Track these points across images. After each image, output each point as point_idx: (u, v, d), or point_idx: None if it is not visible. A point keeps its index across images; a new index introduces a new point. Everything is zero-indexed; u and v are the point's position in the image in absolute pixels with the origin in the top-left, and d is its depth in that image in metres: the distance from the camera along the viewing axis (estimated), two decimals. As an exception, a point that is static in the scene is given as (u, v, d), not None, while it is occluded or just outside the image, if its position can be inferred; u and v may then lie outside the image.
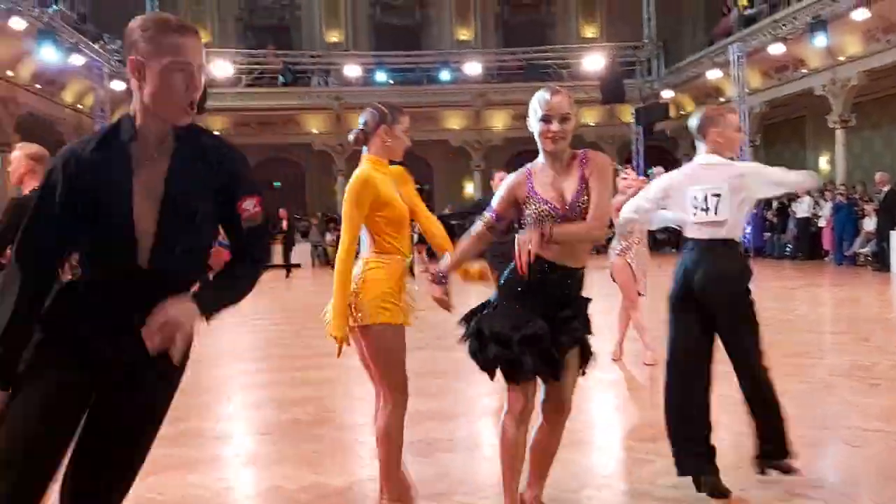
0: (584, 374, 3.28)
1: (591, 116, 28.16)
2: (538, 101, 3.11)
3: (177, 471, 4.25)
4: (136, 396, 2.14)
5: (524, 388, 3.10)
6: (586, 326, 3.22)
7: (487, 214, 3.23)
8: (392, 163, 3.56)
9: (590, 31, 29.44)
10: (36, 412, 2.01)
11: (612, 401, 5.79)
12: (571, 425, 4.94)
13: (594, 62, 25.07)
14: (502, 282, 3.18)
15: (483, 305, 3.23)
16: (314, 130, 27.65)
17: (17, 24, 14.62)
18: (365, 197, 3.31)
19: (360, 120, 3.53)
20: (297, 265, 21.23)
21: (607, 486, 3.85)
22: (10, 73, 17.18)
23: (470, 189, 29.49)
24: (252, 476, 4.23)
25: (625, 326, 6.97)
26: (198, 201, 2.12)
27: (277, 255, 20.46)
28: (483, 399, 5.79)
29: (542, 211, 3.06)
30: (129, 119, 2.14)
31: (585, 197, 3.05)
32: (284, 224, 21.22)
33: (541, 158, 3.19)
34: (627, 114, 27.05)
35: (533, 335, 3.01)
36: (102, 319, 2.09)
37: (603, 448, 4.63)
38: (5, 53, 16.80)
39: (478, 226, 3.25)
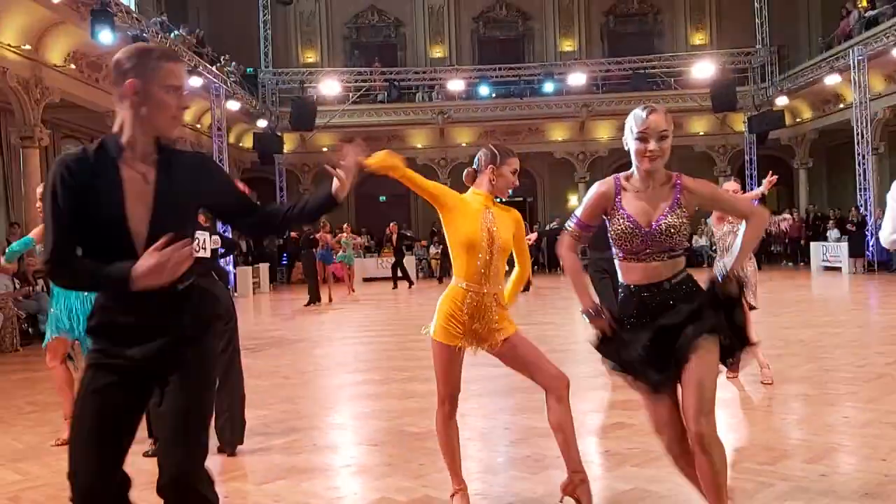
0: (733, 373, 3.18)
1: (701, 126, 27.42)
2: (634, 120, 3.05)
3: (290, 479, 4.37)
4: (182, 372, 2.42)
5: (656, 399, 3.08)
6: (718, 323, 3.00)
7: (572, 225, 3.18)
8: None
9: (698, 38, 28.68)
10: (91, 414, 2.38)
11: (727, 420, 5.58)
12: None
13: (704, 69, 24.38)
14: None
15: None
16: (418, 145, 28.04)
17: (143, 49, 15.52)
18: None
19: (475, 159, 3.89)
20: (411, 282, 21.32)
21: (724, 509, 3.70)
22: (135, 95, 18.22)
23: (574, 201, 29.16)
24: (362, 486, 4.29)
25: None
26: (185, 203, 2.49)
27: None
28: (590, 416, 5.69)
29: (625, 228, 3.03)
30: (115, 137, 2.45)
31: (672, 220, 3.00)
32: (394, 238, 21.55)
33: (634, 173, 3.12)
34: (739, 122, 26.18)
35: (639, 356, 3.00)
36: (121, 317, 2.42)
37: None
38: (132, 77, 17.83)
39: (566, 240, 3.20)
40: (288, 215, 2.72)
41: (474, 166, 3.87)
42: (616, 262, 3.14)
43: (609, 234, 3.09)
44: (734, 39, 26.85)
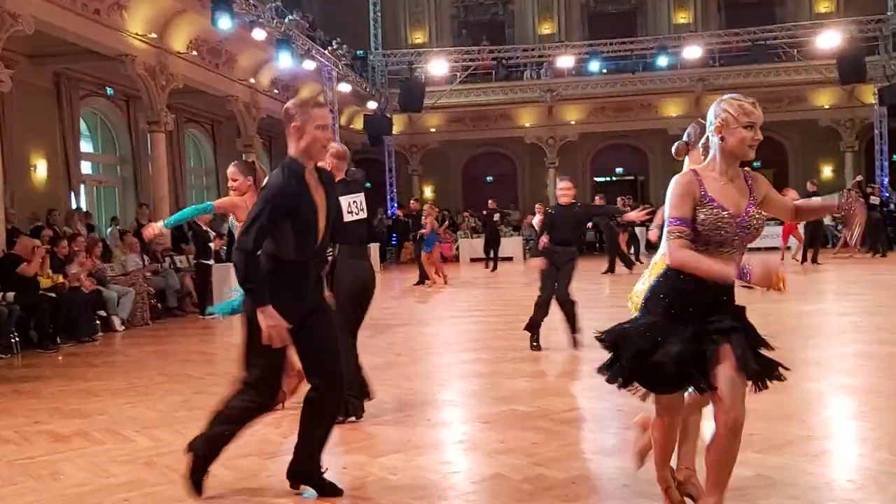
0: (762, 387, 3.08)
1: (826, 99, 26.00)
2: (742, 110, 3.02)
3: (405, 453, 4.46)
4: (321, 316, 3.78)
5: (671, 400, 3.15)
6: (753, 335, 3.07)
7: (674, 227, 3.04)
8: None
9: (823, 6, 27.11)
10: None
11: (857, 408, 5.30)
12: (808, 433, 4.59)
13: (829, 39, 23.01)
14: (649, 295, 3.18)
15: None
16: (526, 124, 27.82)
17: (259, 34, 15.96)
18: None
19: (685, 133, 3.84)
20: (508, 258, 21.20)
21: (853, 501, 3.53)
22: (252, 80, 18.85)
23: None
24: (476, 463, 4.33)
25: None
26: (338, 211, 3.84)
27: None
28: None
29: (722, 218, 3.00)
30: (298, 162, 3.63)
31: (755, 210, 3.05)
32: (497, 216, 21.42)
33: (712, 164, 3.09)
34: (869, 94, 24.63)
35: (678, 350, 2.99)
36: (303, 280, 3.69)
37: (848, 461, 4.25)
38: (249, 62, 18.46)
39: (678, 244, 3.03)
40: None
41: (685, 139, 3.78)
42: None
43: (696, 227, 3.02)
44: (863, 6, 25.18)
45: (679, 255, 3.04)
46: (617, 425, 5.01)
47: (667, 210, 3.10)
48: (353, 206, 5.23)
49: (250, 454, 4.55)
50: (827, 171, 27.68)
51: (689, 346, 2.98)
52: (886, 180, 24.95)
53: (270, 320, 3.49)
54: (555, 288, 7.72)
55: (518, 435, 4.76)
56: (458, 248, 23.97)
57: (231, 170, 5.72)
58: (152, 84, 14.59)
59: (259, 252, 3.55)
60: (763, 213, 3.08)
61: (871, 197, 19.41)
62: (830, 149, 26.97)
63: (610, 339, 3.17)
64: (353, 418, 5.11)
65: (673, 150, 3.79)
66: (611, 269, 17.15)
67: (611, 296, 13.03)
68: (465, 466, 4.27)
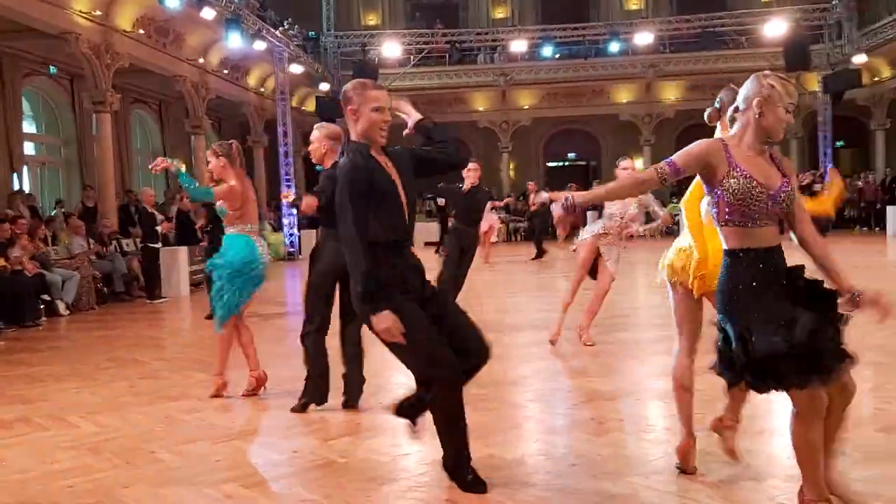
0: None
1: (771, 86, 26.49)
2: (786, 90, 3.05)
3: (356, 436, 4.46)
4: (438, 300, 3.63)
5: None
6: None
7: (663, 164, 3.09)
8: None
9: (771, -6, 27.63)
10: (422, 322, 3.46)
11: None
12: (751, 411, 4.72)
13: (776, 27, 23.46)
14: (728, 293, 3.00)
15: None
16: (480, 108, 27.84)
17: (208, 13, 15.62)
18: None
19: (717, 97, 3.76)
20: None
21: (793, 476, 3.64)
22: (201, 60, 18.49)
23: (639, 164, 28.63)
24: (427, 445, 4.33)
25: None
26: (414, 186, 3.60)
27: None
28: (652, 380, 5.64)
29: (753, 188, 2.95)
30: (361, 144, 3.55)
31: (787, 188, 3.00)
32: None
33: (736, 134, 3.08)
34: (814, 82, 25.21)
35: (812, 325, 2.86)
36: (406, 265, 3.56)
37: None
38: (198, 41, 18.10)
39: (648, 171, 3.12)
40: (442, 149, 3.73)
41: (716, 104, 3.74)
42: (720, 230, 3.05)
43: (724, 198, 2.98)
44: (809, -5, 25.76)
45: (621, 179, 3.16)
46: (565, 406, 5.09)
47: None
48: None
49: (198, 439, 4.51)
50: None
51: (818, 319, 2.89)
52: (830, 166, 25.59)
53: (384, 323, 3.36)
54: (459, 269, 7.85)
55: (470, 417, 4.78)
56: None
57: (208, 152, 5.67)
58: (97, 63, 14.21)
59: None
60: (795, 191, 3.04)
61: (815, 185, 19.84)
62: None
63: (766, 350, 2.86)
64: (313, 405, 5.07)
65: (705, 115, 3.82)
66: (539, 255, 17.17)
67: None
68: (416, 448, 4.28)
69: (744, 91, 3.09)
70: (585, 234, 7.17)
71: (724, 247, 3.05)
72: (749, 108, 3.04)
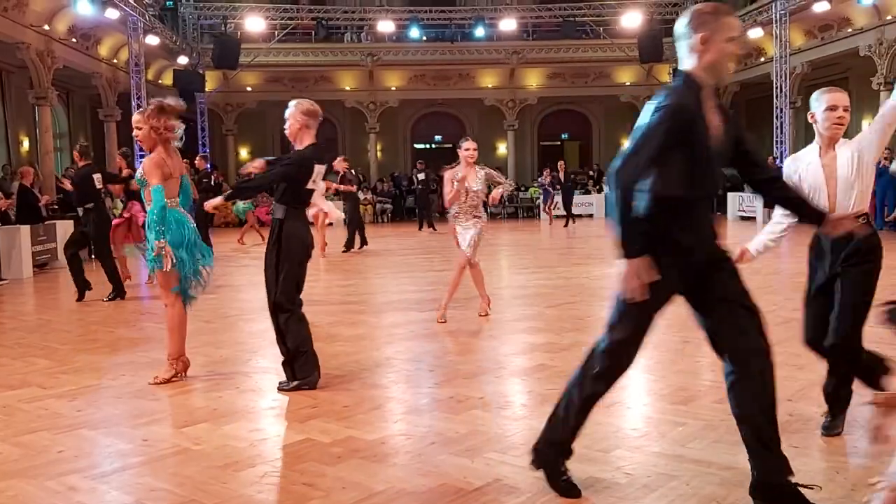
0: None
1: (627, 76, 27.68)
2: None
3: (212, 422, 4.33)
4: (726, 269, 3.09)
5: None
6: None
7: None
8: None
9: (629, -12, 28.80)
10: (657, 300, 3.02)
11: (644, 362, 5.76)
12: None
13: (632, 19, 24.53)
14: None
15: None
16: (346, 87, 27.52)
17: (54, -24, 14.66)
18: None
19: None
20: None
21: (638, 447, 3.84)
22: (46, 26, 17.25)
23: (503, 149, 29.26)
24: (286, 428, 4.27)
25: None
26: (728, 145, 3.01)
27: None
28: (512, 358, 5.80)
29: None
30: (697, 79, 2.95)
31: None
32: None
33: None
34: (665, 73, 26.53)
35: None
36: (701, 229, 3.03)
37: (635, 409, 4.61)
38: (42, 7, 16.86)
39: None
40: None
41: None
42: None
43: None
44: (663, -10, 27.03)
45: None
46: (428, 385, 5.14)
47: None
48: (318, 176, 5.09)
49: (40, 429, 4.24)
50: (626, 144, 29.58)
51: None
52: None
53: (636, 275, 2.87)
54: None
55: (331, 398, 4.76)
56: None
57: (135, 116, 5.33)
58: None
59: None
60: None
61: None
62: (629, 123, 28.80)
63: None
64: (306, 386, 4.96)
65: None
66: (362, 243, 15.03)
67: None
68: (275, 433, 4.21)
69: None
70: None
71: None
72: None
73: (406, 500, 3.25)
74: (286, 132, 5.10)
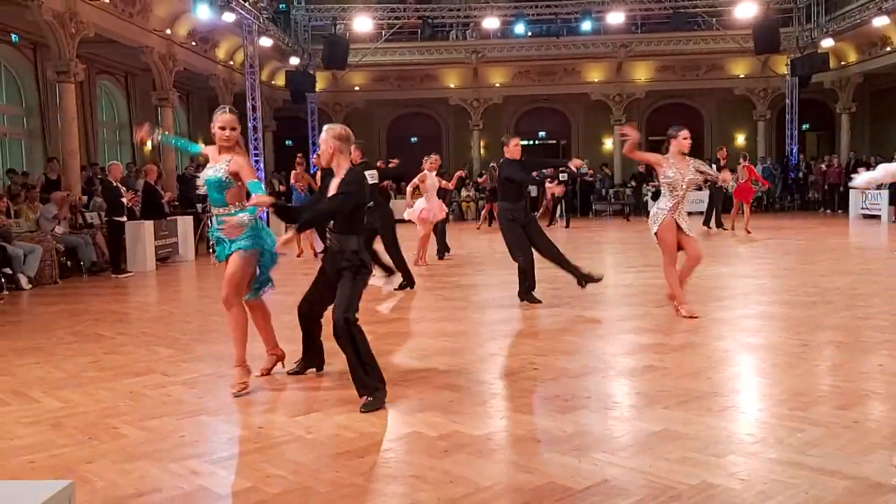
0: None
1: (741, 68, 26.71)
2: None
3: (323, 412, 4.45)
4: None
5: None
6: None
7: None
8: None
9: (742, -23, 27.75)
10: None
11: (758, 365, 5.56)
12: (714, 389, 4.79)
13: (746, 9, 23.62)
14: None
15: None
16: (451, 85, 27.70)
17: (176, -17, 15.38)
18: None
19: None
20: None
21: (753, 453, 3.71)
22: (168, 31, 18.14)
23: (609, 144, 28.78)
24: (393, 422, 4.35)
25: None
26: None
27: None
28: (620, 358, 5.70)
29: None
30: None
31: None
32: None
33: None
34: (782, 65, 25.49)
35: None
36: None
37: (748, 415, 4.45)
38: (165, 12, 17.75)
39: None
40: None
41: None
42: None
43: None
44: (780, -22, 25.94)
45: None
46: (533, 382, 5.12)
47: None
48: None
49: (164, 415, 4.47)
50: (740, 139, 28.57)
51: None
52: (796, 148, 25.95)
53: None
54: None
55: (436, 393, 4.82)
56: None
57: (228, 117, 5.05)
58: (61, 32, 13.88)
59: None
60: None
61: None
62: (744, 117, 27.82)
63: None
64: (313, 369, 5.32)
65: None
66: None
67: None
68: (383, 424, 4.29)
69: None
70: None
71: None
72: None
73: (513, 497, 3.25)
74: (320, 158, 4.93)
